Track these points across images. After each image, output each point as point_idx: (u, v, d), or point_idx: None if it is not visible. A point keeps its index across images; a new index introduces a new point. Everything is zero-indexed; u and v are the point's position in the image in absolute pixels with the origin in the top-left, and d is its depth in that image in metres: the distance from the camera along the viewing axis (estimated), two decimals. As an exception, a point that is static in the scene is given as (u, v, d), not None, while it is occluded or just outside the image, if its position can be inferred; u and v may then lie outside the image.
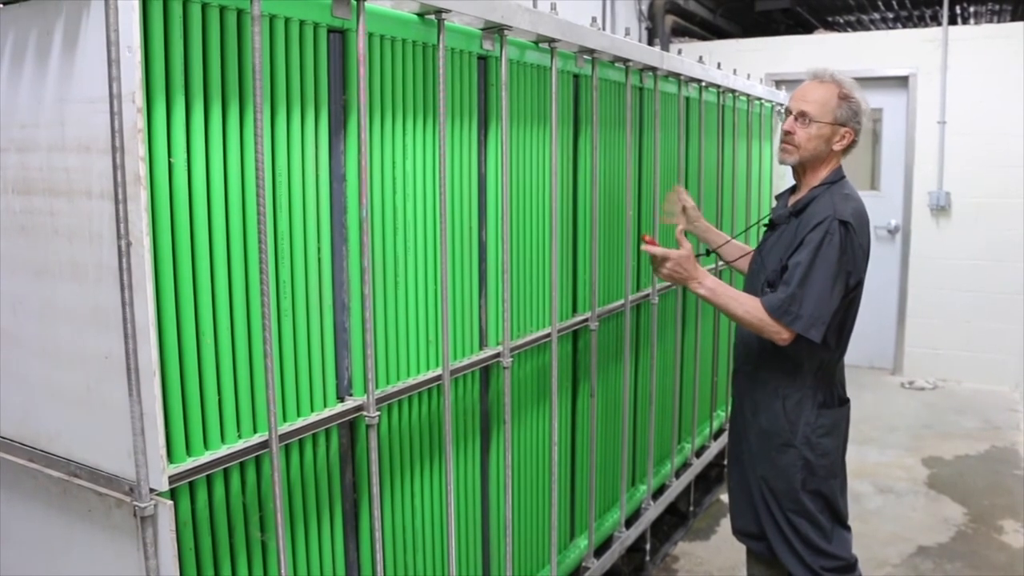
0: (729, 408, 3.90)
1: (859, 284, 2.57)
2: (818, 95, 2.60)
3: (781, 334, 2.48)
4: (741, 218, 4.68)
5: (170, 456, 1.60)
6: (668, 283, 2.55)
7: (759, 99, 4.86)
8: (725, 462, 4.61)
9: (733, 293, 2.57)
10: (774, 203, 3.01)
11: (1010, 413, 6.10)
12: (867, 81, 6.87)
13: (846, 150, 2.64)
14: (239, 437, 1.74)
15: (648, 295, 3.62)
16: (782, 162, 2.71)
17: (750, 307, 2.51)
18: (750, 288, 2.73)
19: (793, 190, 2.80)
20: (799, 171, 2.70)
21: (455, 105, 2.31)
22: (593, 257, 3.07)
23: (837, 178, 2.64)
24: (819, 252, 2.45)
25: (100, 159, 1.53)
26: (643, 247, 2.66)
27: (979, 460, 5.21)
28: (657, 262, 2.61)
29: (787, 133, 2.64)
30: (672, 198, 3.13)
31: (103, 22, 1.43)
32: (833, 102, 2.58)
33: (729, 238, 3.17)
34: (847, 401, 2.74)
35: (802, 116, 2.60)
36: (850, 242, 2.48)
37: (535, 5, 2.49)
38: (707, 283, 2.58)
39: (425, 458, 2.31)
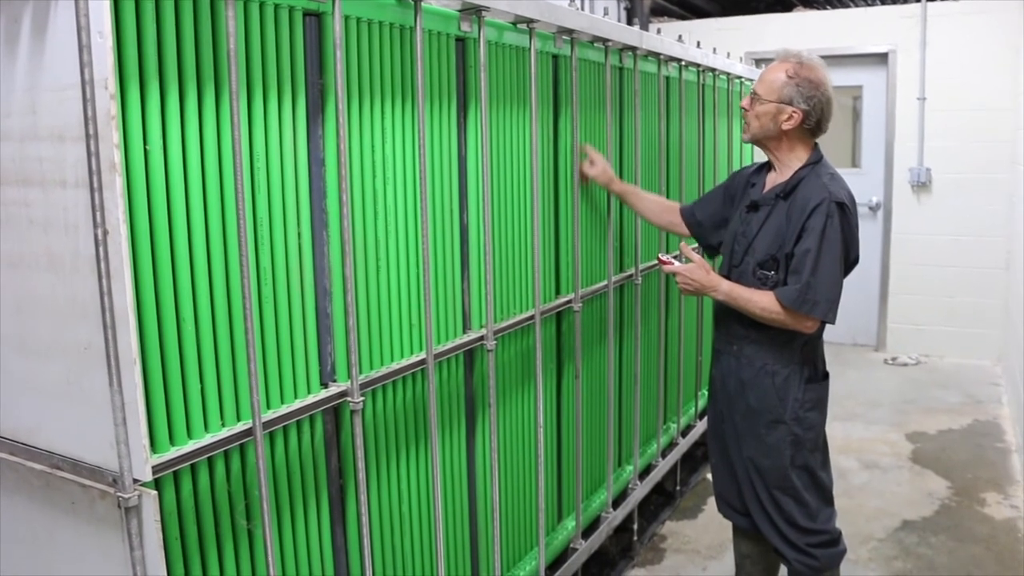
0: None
1: (857, 260, 2.65)
2: (769, 74, 2.68)
3: (805, 323, 2.57)
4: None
5: (153, 446, 1.59)
6: (664, 274, 2.73)
7: (739, 78, 4.86)
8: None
9: (748, 294, 2.63)
10: (736, 173, 3.04)
11: (992, 387, 6.15)
12: (846, 59, 6.92)
13: (811, 131, 2.66)
14: (223, 425, 1.73)
15: (631, 275, 3.62)
16: (743, 140, 2.83)
17: (766, 304, 2.59)
18: (736, 268, 2.73)
19: (765, 168, 2.81)
20: (768, 151, 2.74)
21: (433, 88, 2.29)
22: (575, 238, 3.06)
23: (818, 158, 2.67)
24: (824, 237, 2.52)
25: (74, 147, 1.51)
26: (662, 268, 2.87)
27: (962, 434, 5.25)
28: (677, 277, 2.76)
29: (744, 110, 2.74)
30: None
31: (73, 7, 1.41)
32: (780, 81, 2.62)
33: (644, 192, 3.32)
34: (828, 375, 2.78)
35: (754, 94, 2.69)
36: (847, 222, 2.57)
37: (513, -15, 2.48)
38: (723, 288, 2.68)
39: (411, 443, 2.31)
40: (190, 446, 1.65)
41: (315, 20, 1.92)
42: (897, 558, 3.71)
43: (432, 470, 2.33)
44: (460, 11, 2.35)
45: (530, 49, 2.65)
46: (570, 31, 2.84)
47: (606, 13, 3.28)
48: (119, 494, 1.55)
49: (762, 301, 2.59)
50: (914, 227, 6.90)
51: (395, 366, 2.18)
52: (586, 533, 3.31)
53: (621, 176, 3.46)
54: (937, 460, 4.83)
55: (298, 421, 1.92)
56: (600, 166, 3.10)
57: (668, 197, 3.93)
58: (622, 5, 7.15)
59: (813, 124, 2.63)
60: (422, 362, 2.26)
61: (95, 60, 1.42)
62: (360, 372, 2.03)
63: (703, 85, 4.35)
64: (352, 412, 2.01)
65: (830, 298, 2.54)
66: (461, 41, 2.42)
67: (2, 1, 1.59)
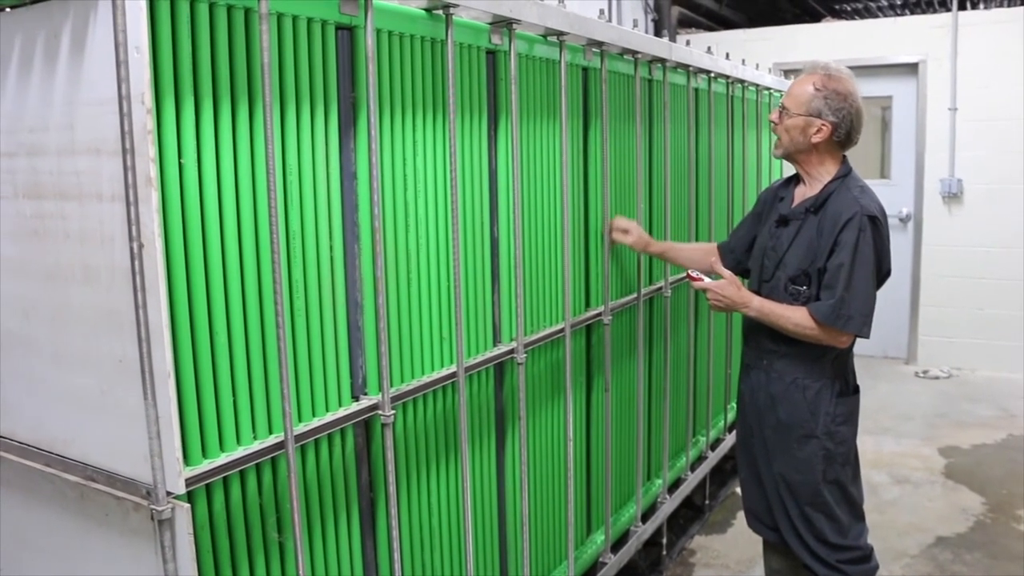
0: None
1: (889, 273, 2.63)
2: (796, 87, 2.65)
3: (839, 338, 2.55)
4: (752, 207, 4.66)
5: (186, 459, 1.59)
6: (693, 287, 2.71)
7: (768, 89, 4.83)
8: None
9: (780, 310, 2.61)
10: (763, 192, 3.00)
11: (1026, 401, 6.06)
12: (876, 69, 6.87)
13: (840, 143, 2.63)
14: (255, 438, 1.73)
15: (661, 288, 3.60)
16: (774, 155, 2.78)
17: (799, 320, 2.56)
18: (766, 283, 2.70)
19: (793, 182, 2.78)
20: (797, 165, 2.71)
21: (464, 100, 2.29)
22: (605, 250, 3.06)
23: (847, 171, 2.64)
24: (857, 251, 2.50)
25: (110, 161, 1.53)
26: (692, 284, 2.84)
27: (996, 449, 5.17)
28: (707, 294, 2.73)
29: (773, 124, 2.71)
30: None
31: (111, 23, 1.43)
32: (807, 94, 2.60)
33: (690, 245, 3.34)
34: (858, 388, 2.75)
35: (783, 108, 2.66)
36: (879, 236, 2.54)
37: (543, -2, 2.48)
38: (754, 304, 2.66)
39: (441, 456, 2.30)
40: (223, 459, 1.65)
41: (347, 34, 1.93)
42: (931, 575, 3.65)
43: (462, 483, 2.32)
44: (491, 24, 2.35)
45: (560, 61, 2.65)
46: (600, 43, 2.84)
47: (635, 25, 3.27)
48: (152, 506, 1.56)
49: (795, 317, 2.56)
50: (945, 239, 6.82)
51: (426, 379, 2.18)
52: (615, 547, 3.29)
53: (651, 184, 3.46)
54: (971, 475, 4.75)
55: (329, 434, 1.92)
56: (635, 234, 3.11)
57: (697, 210, 3.93)
58: (650, 17, 7.15)
59: (843, 136, 2.61)
60: (453, 375, 2.25)
61: (132, 75, 1.43)
62: (391, 385, 2.03)
63: (732, 96, 4.33)
64: (383, 425, 2.01)
65: (864, 312, 2.51)
66: (492, 54, 2.42)
67: (42, 17, 1.61)
